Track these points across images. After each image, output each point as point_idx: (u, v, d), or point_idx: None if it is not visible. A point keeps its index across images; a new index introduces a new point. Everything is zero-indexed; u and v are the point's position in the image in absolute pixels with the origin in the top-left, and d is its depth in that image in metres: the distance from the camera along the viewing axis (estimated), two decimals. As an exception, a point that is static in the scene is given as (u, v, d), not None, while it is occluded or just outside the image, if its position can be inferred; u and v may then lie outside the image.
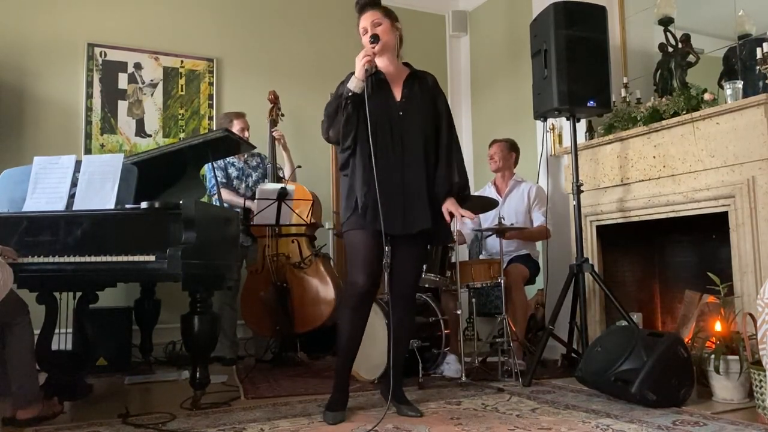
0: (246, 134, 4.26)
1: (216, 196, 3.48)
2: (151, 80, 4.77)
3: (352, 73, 2.56)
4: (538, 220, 4.01)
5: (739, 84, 3.15)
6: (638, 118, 3.60)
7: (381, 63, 2.65)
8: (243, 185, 4.33)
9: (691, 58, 3.64)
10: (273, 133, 4.31)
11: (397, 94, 2.64)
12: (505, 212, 3.99)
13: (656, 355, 2.67)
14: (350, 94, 2.50)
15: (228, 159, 4.33)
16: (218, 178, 4.22)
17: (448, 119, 2.70)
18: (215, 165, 4.23)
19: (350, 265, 2.65)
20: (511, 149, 4.24)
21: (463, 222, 3.98)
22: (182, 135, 4.77)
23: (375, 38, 2.54)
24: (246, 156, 4.40)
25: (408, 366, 3.25)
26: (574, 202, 3.59)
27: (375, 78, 2.58)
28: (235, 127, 4.18)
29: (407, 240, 2.59)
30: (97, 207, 2.73)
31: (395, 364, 2.67)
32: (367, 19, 2.62)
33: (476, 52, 5.72)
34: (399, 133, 2.57)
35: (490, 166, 4.27)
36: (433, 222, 2.58)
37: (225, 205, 3.83)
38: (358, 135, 2.54)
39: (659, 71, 3.81)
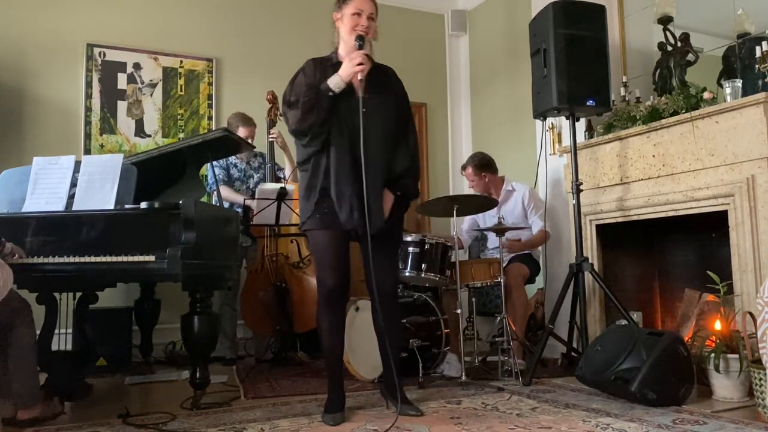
0: (250, 142, 4.26)
1: (217, 195, 3.47)
2: (151, 80, 4.77)
3: (313, 60, 2.56)
4: (536, 225, 3.98)
5: (739, 83, 3.15)
6: (637, 117, 3.60)
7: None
8: (244, 187, 4.32)
9: (691, 57, 3.64)
10: (269, 136, 4.29)
11: (359, 90, 2.54)
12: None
13: (656, 354, 2.67)
14: (331, 94, 2.47)
15: (230, 160, 4.33)
16: (221, 177, 4.23)
17: (410, 119, 2.69)
18: (218, 164, 4.23)
19: (318, 266, 2.63)
20: (479, 170, 4.10)
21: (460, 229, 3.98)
22: (182, 135, 4.77)
23: (361, 41, 2.49)
24: (249, 157, 4.40)
25: (408, 365, 3.26)
26: (574, 202, 3.59)
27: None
28: (240, 134, 4.17)
29: (373, 236, 2.52)
30: (96, 207, 2.73)
31: (388, 362, 2.66)
32: (365, 5, 2.55)
33: (475, 52, 5.72)
34: (362, 130, 2.45)
35: (476, 191, 4.19)
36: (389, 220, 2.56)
37: (224, 202, 3.83)
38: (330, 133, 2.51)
39: (658, 70, 3.81)
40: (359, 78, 2.47)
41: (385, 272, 2.62)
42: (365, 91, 2.53)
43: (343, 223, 2.51)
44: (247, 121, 4.32)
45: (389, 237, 2.62)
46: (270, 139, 4.27)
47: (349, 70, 2.46)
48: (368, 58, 2.50)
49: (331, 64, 2.57)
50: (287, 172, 4.37)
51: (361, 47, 2.49)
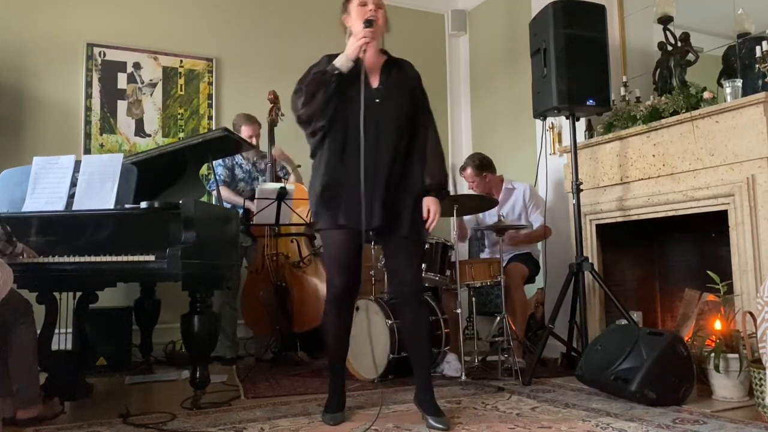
0: (254, 141, 4.24)
1: (217, 194, 3.46)
2: (151, 80, 4.77)
3: (328, 56, 2.50)
4: (537, 221, 3.99)
5: (739, 82, 3.15)
6: (638, 117, 3.60)
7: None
8: (248, 188, 4.28)
9: (691, 56, 3.64)
10: (273, 152, 4.24)
11: (374, 80, 2.52)
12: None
13: (656, 354, 2.67)
14: (336, 72, 2.41)
15: (236, 160, 4.32)
16: (223, 177, 4.22)
17: (427, 113, 2.61)
18: (222, 163, 4.22)
19: (328, 266, 2.58)
20: (479, 171, 4.08)
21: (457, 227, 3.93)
22: (182, 135, 4.77)
23: (370, 23, 2.44)
24: (255, 158, 4.39)
25: (408, 365, 3.25)
26: (574, 201, 3.59)
27: (354, 63, 2.45)
28: (243, 134, 4.15)
29: (393, 236, 2.48)
30: (96, 207, 2.73)
31: (418, 366, 2.56)
32: None
33: (475, 51, 5.72)
34: (373, 120, 2.41)
35: (476, 191, 4.16)
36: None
37: (225, 203, 3.82)
38: (333, 118, 2.44)
39: (658, 70, 3.80)
40: (363, 50, 2.40)
41: (400, 271, 2.53)
42: (379, 81, 2.51)
43: (353, 222, 2.39)
44: (250, 119, 4.31)
45: (412, 236, 2.50)
46: (275, 154, 4.23)
47: (353, 45, 2.41)
48: (373, 34, 2.43)
49: None
50: (292, 180, 4.34)
51: (368, 27, 2.43)
